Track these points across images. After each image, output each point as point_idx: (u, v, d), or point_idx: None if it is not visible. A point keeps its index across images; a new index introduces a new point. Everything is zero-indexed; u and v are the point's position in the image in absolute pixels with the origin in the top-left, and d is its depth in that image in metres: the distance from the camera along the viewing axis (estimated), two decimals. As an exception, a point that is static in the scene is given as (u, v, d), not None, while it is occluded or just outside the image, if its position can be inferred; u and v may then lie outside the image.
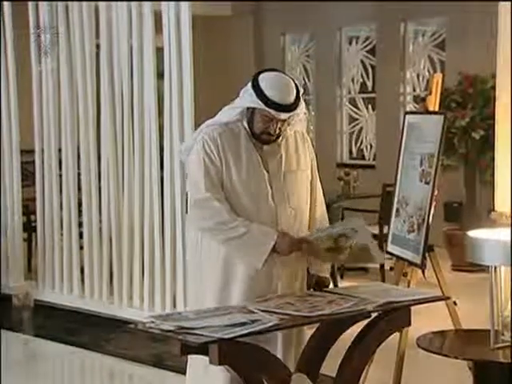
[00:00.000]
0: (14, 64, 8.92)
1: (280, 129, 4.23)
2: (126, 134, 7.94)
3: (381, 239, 9.09)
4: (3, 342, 7.65)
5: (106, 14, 7.98)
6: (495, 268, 4.67)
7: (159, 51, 7.62)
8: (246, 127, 4.28)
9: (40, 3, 8.52)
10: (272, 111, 4.15)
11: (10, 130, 9.03)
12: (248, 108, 4.23)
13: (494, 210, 5.07)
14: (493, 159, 5.12)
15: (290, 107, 4.17)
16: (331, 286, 4.72)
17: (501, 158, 5.02)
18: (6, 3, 8.87)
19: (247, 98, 4.23)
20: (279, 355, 4.10)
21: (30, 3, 8.66)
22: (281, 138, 4.29)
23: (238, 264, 4.22)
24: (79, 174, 8.42)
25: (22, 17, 8.76)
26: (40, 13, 8.55)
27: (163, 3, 7.49)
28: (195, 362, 4.20)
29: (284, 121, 4.20)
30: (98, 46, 8.16)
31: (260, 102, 4.15)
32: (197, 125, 7.09)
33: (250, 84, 4.24)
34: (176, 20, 7.39)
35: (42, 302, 8.72)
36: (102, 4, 8.01)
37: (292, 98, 4.19)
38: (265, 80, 4.21)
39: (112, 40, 7.98)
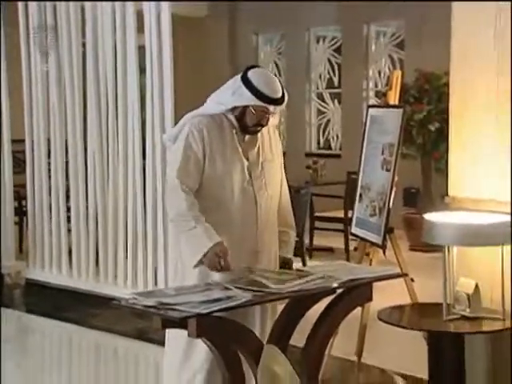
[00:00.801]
0: (4, 59, 8.85)
1: (267, 120, 4.26)
2: (110, 125, 7.94)
3: (346, 222, 9.15)
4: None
5: (92, 14, 7.95)
6: (448, 248, 4.72)
7: (141, 49, 7.58)
8: (233, 120, 4.25)
9: (29, 3, 8.46)
10: (268, 106, 4.17)
11: (0, 121, 8.94)
12: (238, 106, 4.21)
13: (447, 195, 5.08)
14: (447, 149, 5.13)
15: (281, 101, 4.21)
16: (300, 264, 4.75)
17: (454, 148, 5.03)
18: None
19: (240, 96, 4.20)
20: (257, 327, 4.13)
21: (19, 3, 8.59)
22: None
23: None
24: (67, 163, 8.39)
25: (10, 14, 8.74)
26: (29, 12, 8.48)
27: (145, 4, 7.45)
28: (174, 334, 4.21)
29: (272, 112, 4.23)
30: (84, 45, 8.12)
31: (256, 99, 4.15)
32: (176, 118, 7.15)
33: (238, 83, 4.21)
34: (157, 20, 7.38)
35: (32, 280, 8.71)
36: (87, 4, 7.97)
37: (281, 92, 4.22)
38: (256, 78, 4.20)
39: (97, 38, 7.97)
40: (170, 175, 4.28)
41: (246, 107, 4.21)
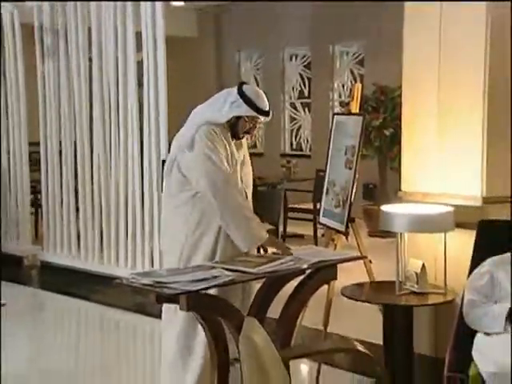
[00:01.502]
0: (22, 69, 8.82)
1: (256, 129, 4.29)
2: (113, 129, 7.91)
3: (314, 213, 9.18)
4: (16, 294, 7.63)
5: (97, 34, 7.91)
6: (400, 234, 4.78)
7: (139, 64, 7.55)
8: (227, 127, 4.20)
9: (45, 32, 8.43)
10: (260, 116, 4.18)
11: (19, 126, 8.93)
12: (235, 115, 4.19)
13: (400, 189, 5.12)
14: (399, 151, 5.19)
15: (269, 113, 4.21)
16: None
17: (405, 150, 5.07)
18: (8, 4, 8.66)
19: (238, 108, 4.17)
20: (239, 303, 4.09)
21: (35, 10, 8.53)
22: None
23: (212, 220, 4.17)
24: (75, 162, 8.35)
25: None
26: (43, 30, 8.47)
27: (143, 26, 7.42)
28: (168, 307, 4.21)
29: (260, 123, 4.25)
30: (90, 59, 8.07)
31: (251, 110, 4.14)
32: (169, 123, 7.14)
33: (235, 96, 4.16)
34: (153, 40, 7.35)
35: (46, 262, 8.68)
36: (93, 25, 7.92)
37: (268, 105, 4.22)
38: (250, 93, 4.18)
39: (102, 54, 7.90)
40: (208, 173, 4.10)
41: (239, 117, 4.19)
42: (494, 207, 4.56)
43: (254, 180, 4.55)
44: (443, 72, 4.81)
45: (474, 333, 3.98)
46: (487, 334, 3.90)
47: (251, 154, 4.58)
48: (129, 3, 7.56)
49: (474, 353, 3.86)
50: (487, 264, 4.10)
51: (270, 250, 4.35)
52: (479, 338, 3.93)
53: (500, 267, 4.05)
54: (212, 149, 4.10)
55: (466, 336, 4.01)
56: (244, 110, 4.17)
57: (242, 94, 4.17)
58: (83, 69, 8.17)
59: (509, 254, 4.09)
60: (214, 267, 3.92)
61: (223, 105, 4.21)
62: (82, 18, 8.08)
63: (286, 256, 4.18)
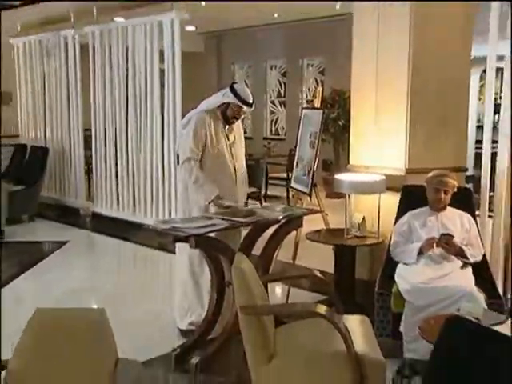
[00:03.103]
0: (80, 75, 8.77)
1: (241, 116, 4.25)
2: (142, 117, 7.83)
3: (287, 180, 9.23)
4: (75, 235, 7.73)
5: (132, 51, 7.85)
6: (348, 195, 4.86)
7: (162, 71, 7.51)
8: (219, 114, 4.21)
9: (96, 49, 8.34)
10: (242, 105, 4.15)
11: (77, 117, 8.90)
12: (224, 103, 4.17)
13: (348, 163, 5.17)
14: (348, 136, 5.20)
15: (251, 104, 4.18)
16: (258, 205, 4.72)
17: (352, 136, 5.09)
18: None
19: (226, 97, 4.16)
20: (232, 243, 4.05)
21: (89, 34, 8.43)
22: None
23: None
24: (116, 142, 8.32)
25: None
26: (95, 51, 8.40)
27: (165, 44, 7.36)
28: (181, 247, 4.22)
29: (244, 112, 4.22)
30: (126, 69, 8.02)
31: (235, 99, 4.13)
32: (183, 114, 7.12)
33: (227, 90, 4.17)
34: (172, 54, 7.30)
35: (96, 212, 8.67)
36: (129, 44, 7.85)
37: (251, 99, 4.19)
38: (238, 87, 4.18)
39: (135, 65, 7.85)
40: (185, 149, 4.15)
41: (228, 105, 4.16)
42: (413, 176, 4.56)
43: (245, 156, 4.53)
44: (379, 79, 4.80)
45: (396, 264, 4.05)
46: (405, 264, 3.98)
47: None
48: (155, 28, 7.48)
49: (395, 277, 3.94)
50: (407, 216, 4.17)
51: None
52: (399, 267, 4.01)
53: (415, 218, 4.12)
54: (195, 131, 4.11)
55: (390, 266, 4.07)
56: (231, 98, 4.15)
57: (231, 88, 4.17)
58: (122, 75, 8.11)
59: (422, 209, 4.17)
60: (213, 218, 3.92)
61: (218, 95, 4.24)
62: (122, 39, 8.01)
63: (266, 210, 4.19)
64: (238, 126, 4.37)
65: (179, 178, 4.47)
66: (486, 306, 3.54)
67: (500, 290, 4.06)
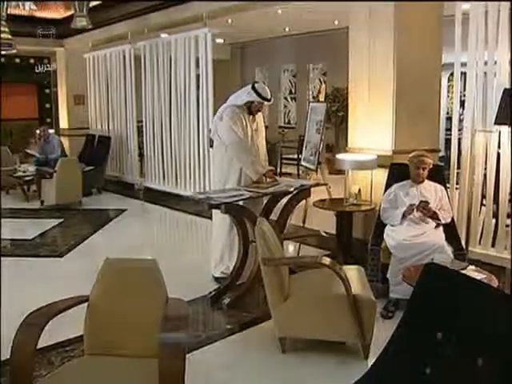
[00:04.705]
0: (134, 80, 8.74)
1: (262, 108, 4.20)
2: (182, 112, 7.78)
3: (297, 160, 9.19)
4: (132, 204, 7.75)
5: (174, 59, 7.75)
6: (347, 171, 4.82)
7: (198, 76, 7.44)
8: (245, 108, 4.14)
9: (146, 58, 8.28)
10: (264, 101, 4.10)
11: (132, 111, 8.88)
12: (249, 100, 4.11)
13: (347, 146, 5.14)
14: (347, 125, 5.15)
15: (270, 100, 4.13)
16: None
17: (350, 124, 5.03)
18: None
19: (251, 96, 4.08)
20: (255, 210, 3.96)
21: (141, 47, 8.39)
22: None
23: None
24: (162, 131, 8.25)
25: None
26: (146, 60, 8.35)
27: (200, 53, 7.26)
28: (215, 212, 4.23)
29: (264, 105, 4.16)
30: (170, 74, 7.94)
31: (258, 97, 4.07)
32: (214, 110, 7.11)
33: (249, 89, 4.09)
34: (205, 61, 7.22)
35: (147, 187, 8.64)
36: (172, 54, 7.79)
37: (270, 96, 4.14)
38: (259, 87, 4.11)
39: (177, 72, 7.79)
40: (229, 134, 4.01)
41: (252, 102, 4.11)
42: (398, 156, 4.52)
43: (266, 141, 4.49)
44: (371, 79, 4.74)
45: (384, 225, 4.04)
46: (392, 225, 3.97)
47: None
48: (192, 41, 7.39)
49: (384, 235, 3.94)
50: (393, 187, 4.14)
51: (269, 179, 4.22)
52: (387, 228, 4.00)
53: (400, 189, 4.10)
54: (234, 121, 4.05)
55: (380, 227, 4.07)
56: (253, 97, 4.10)
57: (253, 87, 4.11)
58: (166, 79, 8.06)
59: (405, 182, 4.14)
60: (240, 189, 3.94)
61: (242, 94, 4.17)
62: (166, 51, 7.96)
63: (278, 182, 4.16)
64: (259, 116, 4.34)
65: (214, 154, 4.36)
66: (453, 256, 3.57)
67: (463, 244, 4.04)
